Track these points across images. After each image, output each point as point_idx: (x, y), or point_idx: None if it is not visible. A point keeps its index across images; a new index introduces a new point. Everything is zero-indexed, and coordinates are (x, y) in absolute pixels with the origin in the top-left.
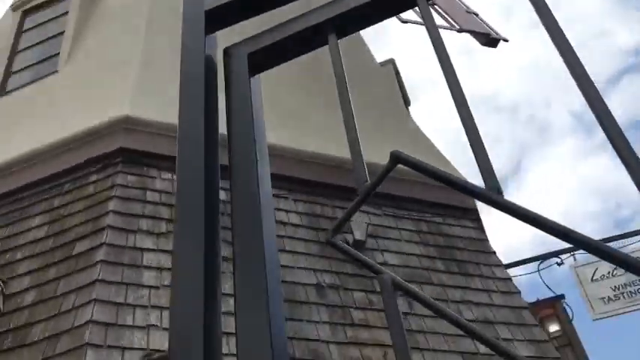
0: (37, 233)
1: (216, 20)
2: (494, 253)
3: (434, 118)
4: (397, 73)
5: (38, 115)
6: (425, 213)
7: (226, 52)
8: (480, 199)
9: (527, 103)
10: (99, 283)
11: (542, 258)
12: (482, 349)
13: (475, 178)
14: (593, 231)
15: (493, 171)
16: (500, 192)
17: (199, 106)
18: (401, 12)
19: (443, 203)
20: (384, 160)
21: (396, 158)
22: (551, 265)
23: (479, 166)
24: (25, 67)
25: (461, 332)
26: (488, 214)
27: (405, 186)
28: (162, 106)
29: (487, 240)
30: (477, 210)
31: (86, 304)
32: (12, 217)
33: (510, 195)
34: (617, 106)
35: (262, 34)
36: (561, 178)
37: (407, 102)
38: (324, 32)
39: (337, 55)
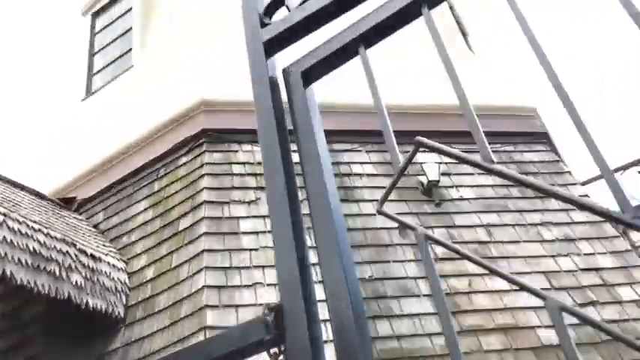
0: (145, 216)
1: (272, 48)
2: (570, 172)
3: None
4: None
5: (123, 110)
6: (495, 144)
7: (284, 71)
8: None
9: None
10: (206, 253)
11: (623, 169)
12: (564, 266)
13: None
14: None
15: None
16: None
17: (269, 111)
18: (411, 22)
19: (512, 131)
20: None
21: (418, 143)
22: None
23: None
24: (103, 67)
25: (542, 252)
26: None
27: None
28: (234, 86)
29: (561, 160)
30: (546, 133)
31: (198, 272)
32: (121, 205)
33: None
34: None
35: (309, 54)
36: None
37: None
38: (356, 47)
39: (367, 65)
